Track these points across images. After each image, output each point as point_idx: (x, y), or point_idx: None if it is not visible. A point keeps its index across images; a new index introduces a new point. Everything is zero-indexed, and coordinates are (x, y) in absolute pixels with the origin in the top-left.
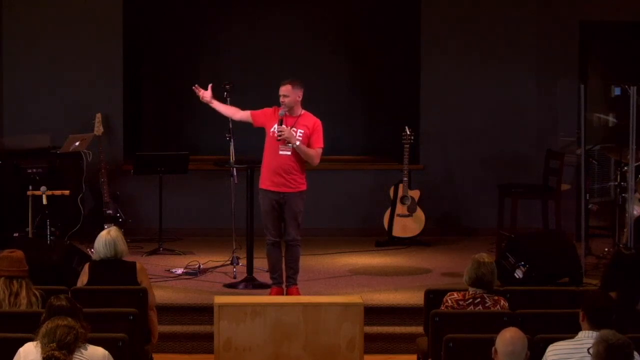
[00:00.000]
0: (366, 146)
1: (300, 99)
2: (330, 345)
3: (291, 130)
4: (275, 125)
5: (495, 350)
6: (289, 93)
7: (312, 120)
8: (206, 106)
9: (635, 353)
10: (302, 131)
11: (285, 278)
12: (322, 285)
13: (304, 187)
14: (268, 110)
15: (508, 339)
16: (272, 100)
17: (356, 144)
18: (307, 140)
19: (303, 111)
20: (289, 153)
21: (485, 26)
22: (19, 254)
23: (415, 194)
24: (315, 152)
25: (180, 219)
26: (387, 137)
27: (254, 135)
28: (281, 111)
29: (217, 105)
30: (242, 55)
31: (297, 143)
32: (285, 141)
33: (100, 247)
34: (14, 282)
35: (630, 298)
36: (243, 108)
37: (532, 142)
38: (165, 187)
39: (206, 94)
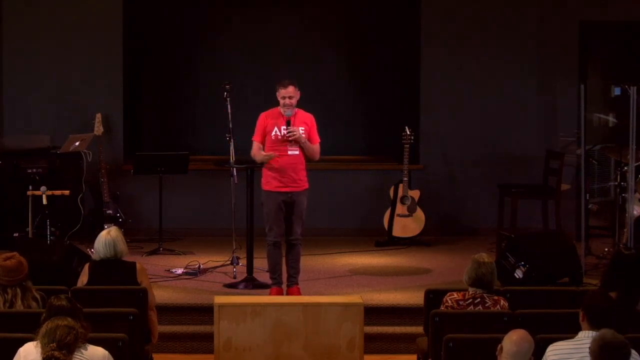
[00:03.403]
0: (366, 146)
1: (298, 98)
2: (330, 345)
3: (299, 130)
4: (276, 128)
5: (501, 348)
6: (294, 94)
7: (309, 117)
8: (206, 106)
9: (635, 352)
10: (303, 128)
11: (286, 278)
12: (322, 285)
13: (308, 185)
14: (261, 120)
15: (515, 339)
16: (272, 100)
17: (356, 144)
18: (308, 137)
19: (296, 109)
20: (297, 152)
21: (485, 26)
22: (13, 262)
23: (415, 194)
24: (318, 148)
25: (180, 219)
26: (387, 137)
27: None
28: (288, 112)
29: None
30: (242, 55)
31: (305, 141)
32: (291, 141)
33: (100, 247)
34: (8, 290)
35: (630, 298)
36: (243, 107)
37: (532, 142)
38: (165, 187)
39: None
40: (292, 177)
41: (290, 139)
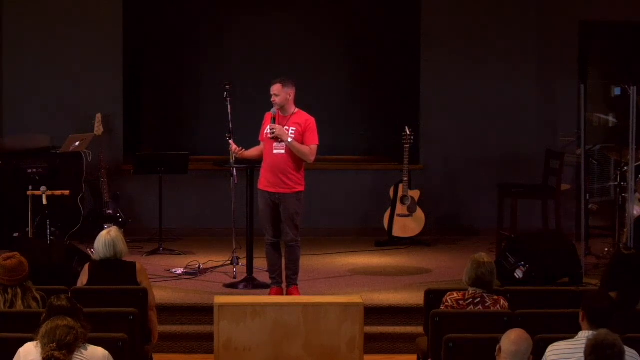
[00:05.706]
0: (366, 146)
1: (291, 97)
2: (330, 345)
3: (283, 128)
4: (269, 126)
5: (500, 349)
6: (279, 92)
7: (305, 118)
8: (206, 106)
9: (634, 352)
10: (295, 129)
11: (284, 278)
12: (322, 285)
13: (300, 188)
14: (266, 117)
15: (513, 339)
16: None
17: (356, 144)
18: (301, 138)
19: (296, 109)
20: (283, 152)
21: (485, 26)
22: (13, 262)
23: (415, 194)
24: (309, 150)
25: (180, 219)
26: (387, 137)
27: (254, 135)
28: (272, 110)
29: (249, 153)
30: (243, 55)
31: (289, 140)
32: (278, 139)
33: (100, 247)
34: (9, 290)
35: (630, 298)
36: (243, 108)
37: (532, 143)
38: (165, 187)
39: (241, 152)
40: (279, 178)
41: (270, 136)
